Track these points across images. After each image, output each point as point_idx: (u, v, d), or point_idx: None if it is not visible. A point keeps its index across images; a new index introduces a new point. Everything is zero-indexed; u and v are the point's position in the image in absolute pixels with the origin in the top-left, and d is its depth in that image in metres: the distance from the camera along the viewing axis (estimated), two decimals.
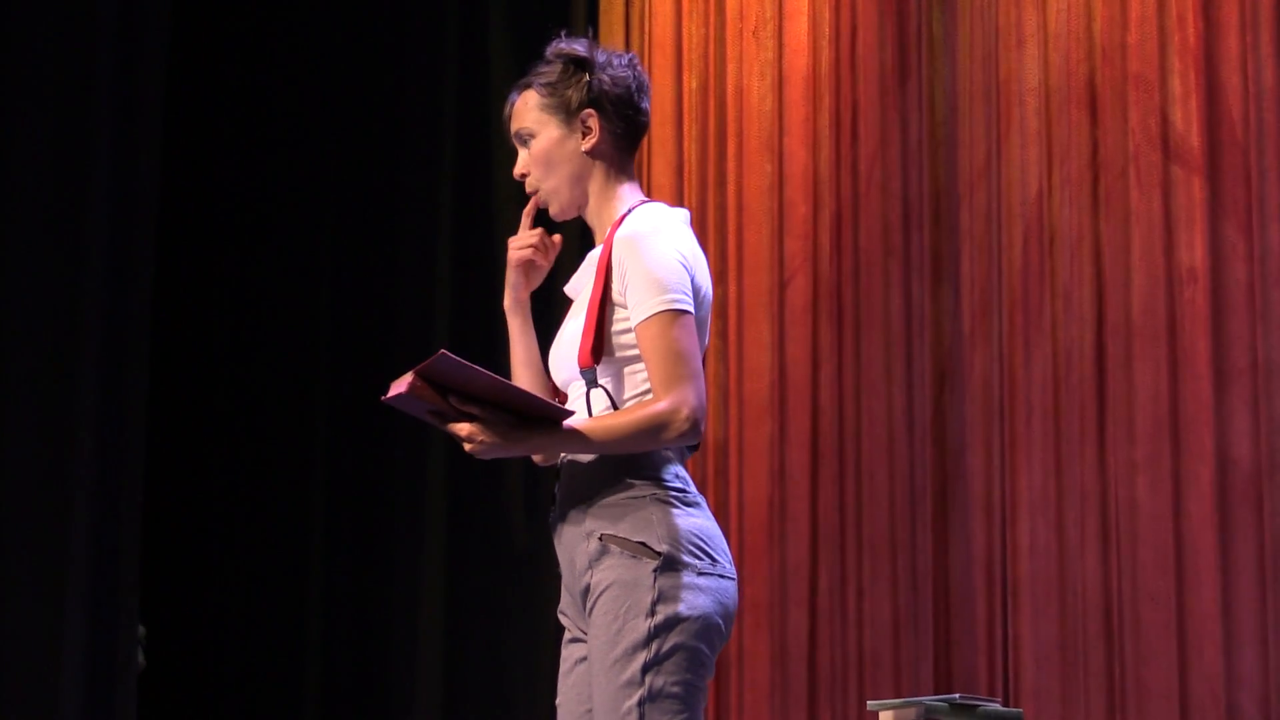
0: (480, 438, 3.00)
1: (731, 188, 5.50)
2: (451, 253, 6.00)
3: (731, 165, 5.50)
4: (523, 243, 3.31)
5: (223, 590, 6.24)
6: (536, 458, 3.24)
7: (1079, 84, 4.92)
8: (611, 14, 5.67)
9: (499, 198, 5.85)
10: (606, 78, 3.23)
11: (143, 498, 5.41)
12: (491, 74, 5.93)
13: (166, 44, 5.48)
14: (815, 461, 5.25)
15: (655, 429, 3.02)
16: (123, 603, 5.28)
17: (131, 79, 5.39)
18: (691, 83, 5.60)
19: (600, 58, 3.24)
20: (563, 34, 3.33)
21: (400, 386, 2.96)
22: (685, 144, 5.57)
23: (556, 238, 3.33)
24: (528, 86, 3.27)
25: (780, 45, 5.44)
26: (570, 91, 3.22)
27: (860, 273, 5.24)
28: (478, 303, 5.79)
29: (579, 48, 3.25)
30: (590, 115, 3.22)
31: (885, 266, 5.21)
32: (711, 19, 5.57)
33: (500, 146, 5.65)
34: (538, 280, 3.35)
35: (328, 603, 6.13)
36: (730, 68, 5.53)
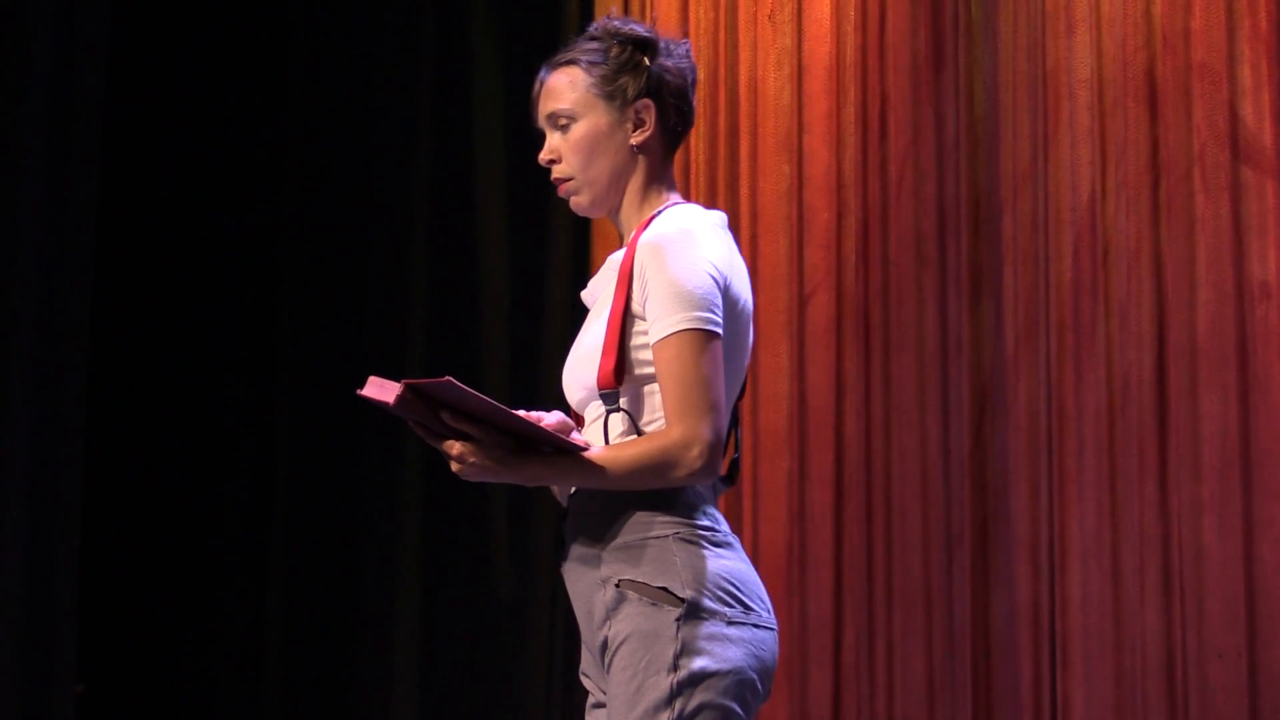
0: (471, 459, 2.91)
1: (745, 191, 5.36)
2: (427, 254, 5.96)
3: (745, 166, 5.36)
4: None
5: (169, 644, 6.08)
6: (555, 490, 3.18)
7: (1136, 75, 4.80)
8: (609, 2, 5.47)
9: (481, 200, 5.84)
10: (670, 65, 3.17)
11: (79, 536, 5.37)
12: (473, 61, 5.88)
13: (108, 33, 5.49)
14: (839, 501, 5.13)
15: (662, 466, 2.94)
16: (58, 645, 5.25)
17: (70, 72, 5.38)
18: (699, 73, 5.36)
19: (661, 43, 3.19)
20: (613, 10, 3.31)
21: (385, 394, 2.85)
22: (693, 142, 5.43)
23: None
24: (571, 63, 3.18)
25: (800, 31, 5.31)
26: (626, 77, 3.15)
27: (890, 287, 5.13)
28: (455, 304, 5.80)
29: (640, 29, 3.19)
30: (647, 107, 3.15)
31: (918, 280, 5.09)
32: (722, 2, 5.44)
33: (481, 132, 5.75)
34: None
35: (286, 661, 5.97)
36: (743, 56, 5.38)
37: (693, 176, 5.42)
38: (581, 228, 5.46)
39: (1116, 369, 4.73)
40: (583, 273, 5.38)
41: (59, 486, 5.35)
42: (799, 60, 5.28)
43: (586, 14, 5.49)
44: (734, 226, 5.23)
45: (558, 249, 5.54)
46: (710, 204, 5.27)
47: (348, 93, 6.13)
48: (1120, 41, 4.80)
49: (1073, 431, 4.77)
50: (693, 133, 5.33)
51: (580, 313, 3.20)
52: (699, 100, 5.33)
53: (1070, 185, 4.84)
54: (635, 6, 5.51)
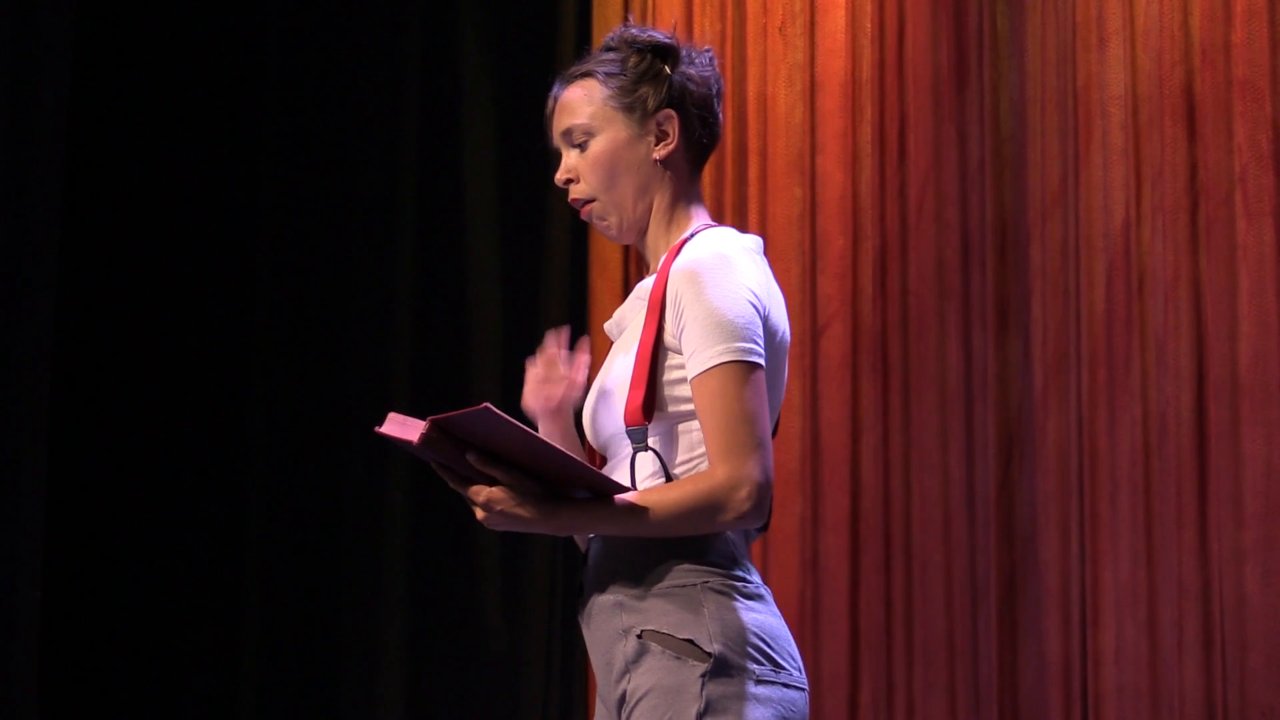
0: (500, 506, 2.83)
1: (754, 216, 5.32)
2: (413, 256, 5.90)
3: (754, 189, 5.34)
4: (542, 384, 3.16)
5: (132, 694, 5.93)
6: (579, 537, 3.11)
7: (1173, 91, 4.76)
8: (607, 7, 5.48)
9: (470, 202, 5.78)
10: (693, 73, 3.09)
11: (41, 558, 5.32)
12: (462, 72, 5.80)
13: (72, 25, 5.47)
14: (855, 548, 5.12)
15: (708, 509, 2.85)
16: (19, 660, 5.19)
17: (33, 66, 5.34)
18: None
19: (683, 51, 3.11)
20: (630, 19, 3.11)
21: (407, 431, 2.73)
22: None
23: (581, 359, 3.16)
24: (586, 75, 3.11)
25: (812, 45, 5.31)
26: (646, 87, 3.07)
27: (909, 320, 5.13)
28: (444, 332, 5.74)
29: (659, 36, 3.11)
30: (670, 118, 3.06)
31: (940, 312, 5.09)
32: (729, 14, 5.39)
33: (472, 136, 5.72)
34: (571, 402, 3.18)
35: (262, 717, 5.86)
36: (752, 72, 5.36)
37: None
38: (579, 252, 5.39)
39: (1153, 406, 4.69)
40: (580, 300, 5.33)
41: (21, 497, 5.30)
42: (811, 76, 5.29)
43: (585, 12, 5.48)
44: None
45: (553, 275, 5.50)
46: None
47: (328, 98, 6.07)
48: (1156, 56, 4.76)
49: (1106, 473, 4.74)
50: None
51: (604, 342, 3.12)
52: None
53: (1103, 209, 4.80)
54: (636, 17, 5.42)
